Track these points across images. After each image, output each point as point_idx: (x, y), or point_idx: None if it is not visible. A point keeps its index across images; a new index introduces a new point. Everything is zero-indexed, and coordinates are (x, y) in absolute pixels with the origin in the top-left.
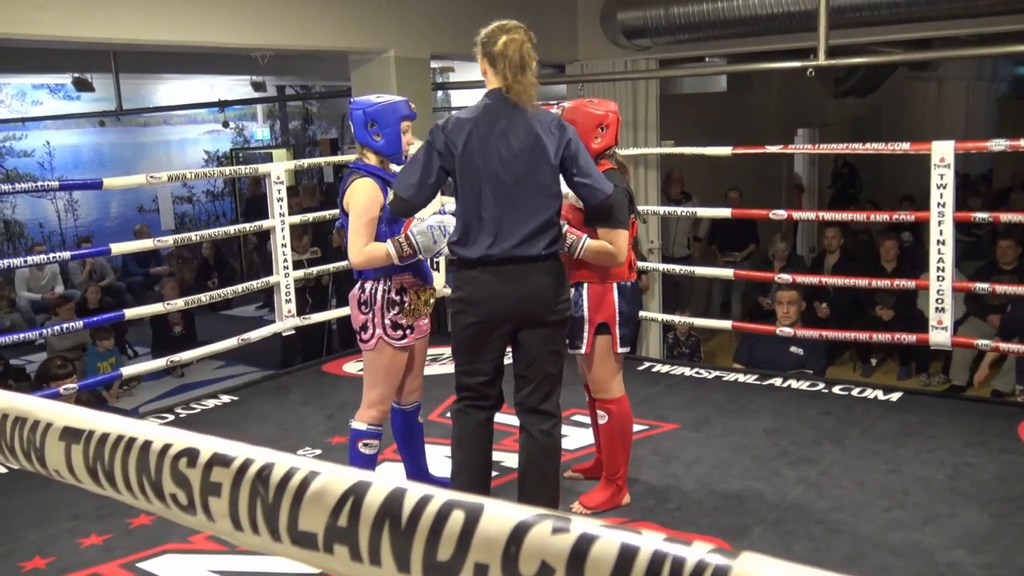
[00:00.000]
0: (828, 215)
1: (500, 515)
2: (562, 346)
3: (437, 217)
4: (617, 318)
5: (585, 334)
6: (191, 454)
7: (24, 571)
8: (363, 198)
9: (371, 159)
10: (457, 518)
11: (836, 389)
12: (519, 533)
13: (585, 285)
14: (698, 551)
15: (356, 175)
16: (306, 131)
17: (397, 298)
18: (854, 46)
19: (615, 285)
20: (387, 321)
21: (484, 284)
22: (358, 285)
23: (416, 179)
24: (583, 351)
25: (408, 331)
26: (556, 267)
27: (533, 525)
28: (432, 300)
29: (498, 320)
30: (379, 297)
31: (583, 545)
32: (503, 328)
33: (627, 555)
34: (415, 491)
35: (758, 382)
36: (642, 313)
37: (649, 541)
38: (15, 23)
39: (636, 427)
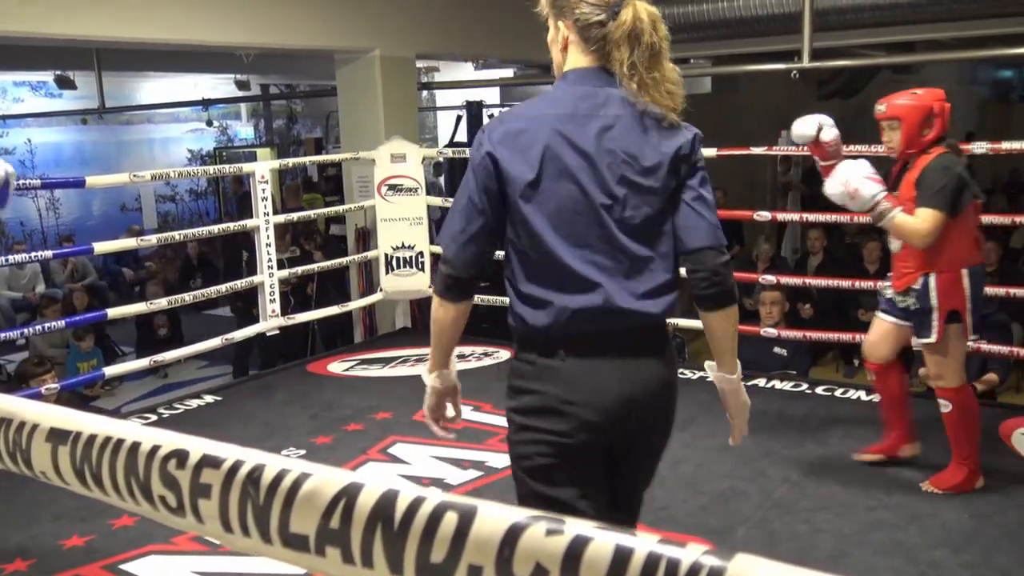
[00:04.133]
0: (812, 216)
1: (494, 517)
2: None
3: None
4: (969, 304)
5: (935, 323)
6: (180, 455)
7: (5, 573)
8: None
9: None
10: (450, 520)
11: (820, 390)
12: (513, 535)
13: (932, 274)
14: (693, 552)
15: None
16: (290, 130)
17: None
18: (838, 49)
19: (966, 270)
20: None
21: (572, 376)
22: None
23: (459, 225)
24: (933, 340)
25: None
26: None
27: (527, 527)
28: None
29: (597, 439)
30: None
31: (577, 546)
32: (602, 454)
33: (622, 556)
34: (408, 493)
35: (742, 382)
36: None
37: (644, 543)
38: None
39: None
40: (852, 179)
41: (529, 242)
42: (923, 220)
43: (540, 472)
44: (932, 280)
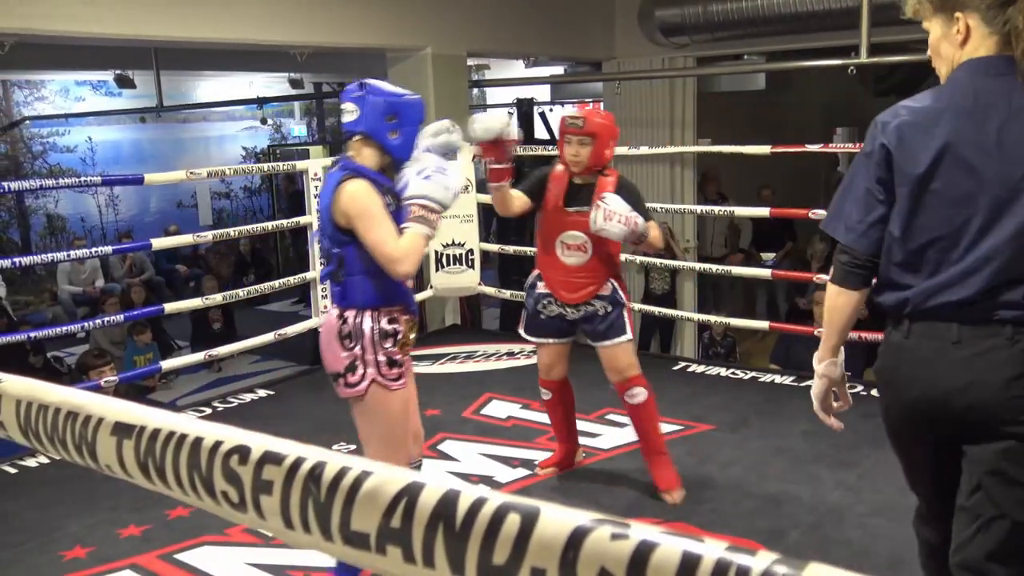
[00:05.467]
0: None
1: (557, 519)
2: None
3: (423, 162)
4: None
5: (627, 320)
6: (242, 451)
7: (64, 560)
8: (369, 196)
9: (368, 159)
10: (513, 521)
11: (875, 392)
12: (577, 538)
13: (613, 279)
14: (763, 560)
15: (348, 176)
16: (342, 128)
17: (390, 328)
18: (896, 44)
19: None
20: (381, 358)
21: (912, 353)
22: (336, 316)
23: (857, 215)
24: (630, 336)
25: (402, 369)
26: None
27: (592, 530)
28: (415, 333)
29: (921, 417)
30: (368, 329)
31: (643, 552)
32: (929, 432)
33: (689, 563)
34: (469, 493)
35: (795, 383)
36: (678, 312)
37: (712, 549)
38: (60, 20)
39: (671, 427)
40: (626, 211)
41: (907, 232)
42: (658, 231)
43: (889, 432)
44: (616, 284)
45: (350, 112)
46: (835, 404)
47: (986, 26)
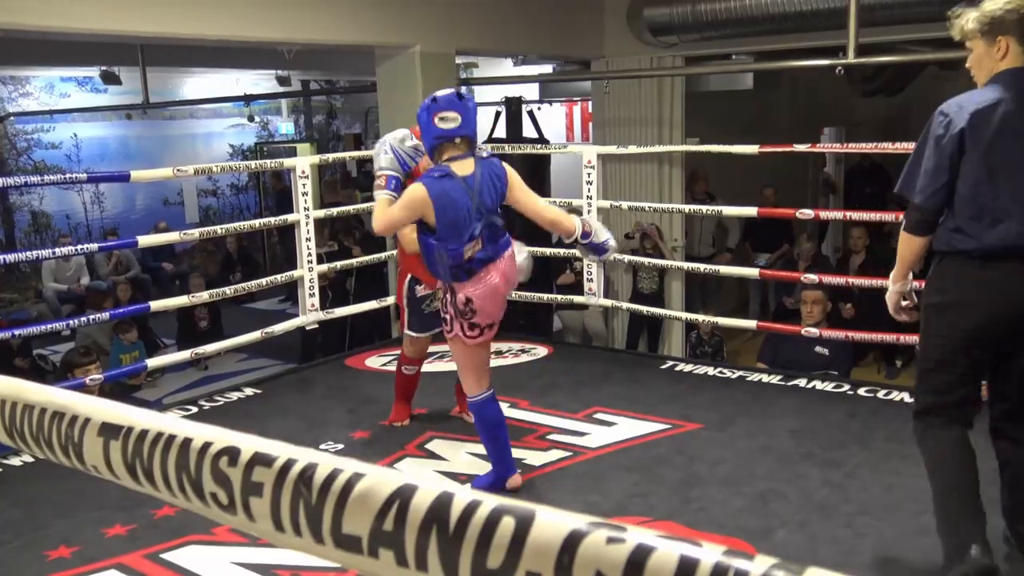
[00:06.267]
0: (855, 215)
1: (552, 522)
2: None
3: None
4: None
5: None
6: (232, 453)
7: (49, 560)
8: None
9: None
10: (507, 525)
11: (862, 391)
12: (572, 542)
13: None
14: (761, 564)
15: (501, 161)
16: (330, 126)
17: None
18: (884, 44)
19: None
20: None
21: (987, 282)
22: (513, 247)
23: (925, 181)
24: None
25: None
26: None
27: (587, 534)
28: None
29: (992, 330)
30: None
31: (640, 556)
32: (996, 343)
33: (687, 567)
34: (463, 496)
35: (782, 382)
36: (666, 312)
37: (710, 553)
38: (45, 15)
39: (658, 426)
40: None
41: (975, 192)
42: None
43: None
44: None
45: (452, 119)
46: (904, 304)
47: (1020, 46)
